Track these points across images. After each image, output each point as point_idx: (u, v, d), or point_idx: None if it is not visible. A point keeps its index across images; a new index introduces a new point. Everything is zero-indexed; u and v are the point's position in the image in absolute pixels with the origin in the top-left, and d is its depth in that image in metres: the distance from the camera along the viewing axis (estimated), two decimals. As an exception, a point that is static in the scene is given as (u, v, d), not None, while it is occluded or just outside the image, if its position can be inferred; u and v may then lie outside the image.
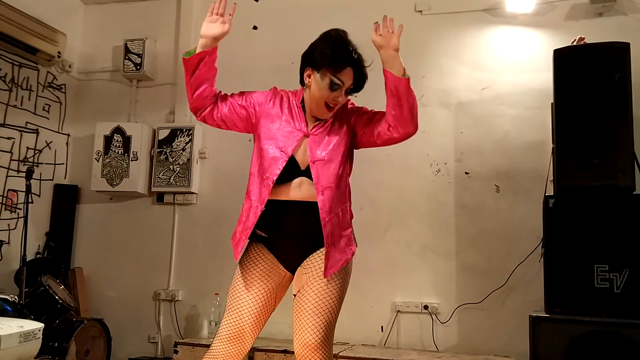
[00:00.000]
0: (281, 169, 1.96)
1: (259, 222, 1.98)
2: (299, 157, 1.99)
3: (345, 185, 2.05)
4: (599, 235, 2.65)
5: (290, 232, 2.00)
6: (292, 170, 1.98)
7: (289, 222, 1.99)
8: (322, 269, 1.94)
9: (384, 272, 3.66)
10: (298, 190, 1.98)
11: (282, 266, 2.03)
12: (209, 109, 2.07)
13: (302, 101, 2.07)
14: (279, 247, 2.01)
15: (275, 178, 1.96)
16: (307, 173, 1.98)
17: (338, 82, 1.95)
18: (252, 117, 2.08)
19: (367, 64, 2.03)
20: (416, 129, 2.00)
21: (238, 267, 2.05)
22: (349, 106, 2.12)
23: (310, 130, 2.02)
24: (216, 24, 2.03)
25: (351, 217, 2.10)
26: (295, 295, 2.00)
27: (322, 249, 1.97)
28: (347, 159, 2.07)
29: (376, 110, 2.09)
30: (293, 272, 2.03)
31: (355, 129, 2.07)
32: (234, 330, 1.96)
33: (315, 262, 1.98)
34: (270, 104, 2.07)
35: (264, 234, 2.02)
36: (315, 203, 1.95)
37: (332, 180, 1.97)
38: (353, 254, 2.03)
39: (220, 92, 2.10)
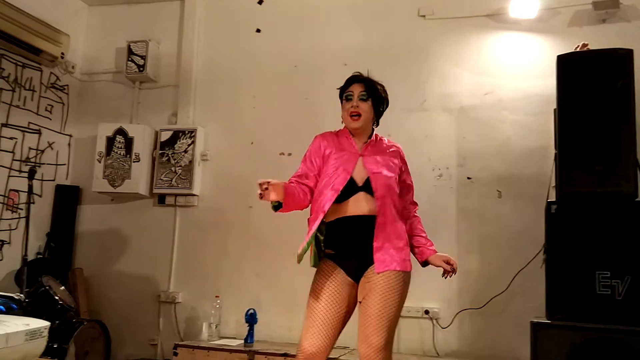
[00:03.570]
0: (344, 183, 2.22)
1: (327, 241, 2.27)
2: (356, 175, 2.26)
3: (399, 207, 2.32)
4: (601, 242, 2.64)
5: (351, 245, 2.24)
6: (351, 188, 2.24)
7: (350, 236, 2.24)
8: (382, 277, 2.16)
9: (384, 277, 3.64)
10: (356, 205, 2.23)
11: (349, 278, 2.24)
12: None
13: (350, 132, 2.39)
14: (344, 260, 2.25)
15: (340, 188, 2.21)
16: (363, 189, 2.24)
17: (349, 92, 2.35)
18: (321, 166, 2.36)
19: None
20: None
21: (312, 281, 2.30)
22: (398, 149, 2.42)
23: (363, 152, 2.32)
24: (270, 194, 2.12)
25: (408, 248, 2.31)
26: (360, 302, 2.21)
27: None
28: (398, 185, 2.34)
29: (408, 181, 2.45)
30: (358, 281, 2.25)
31: (400, 177, 2.38)
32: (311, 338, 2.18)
33: (375, 272, 2.19)
34: (323, 149, 2.36)
35: (332, 252, 2.28)
36: (371, 217, 2.21)
37: (387, 191, 2.24)
38: (408, 270, 2.23)
39: (303, 187, 2.32)
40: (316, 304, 2.21)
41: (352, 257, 2.23)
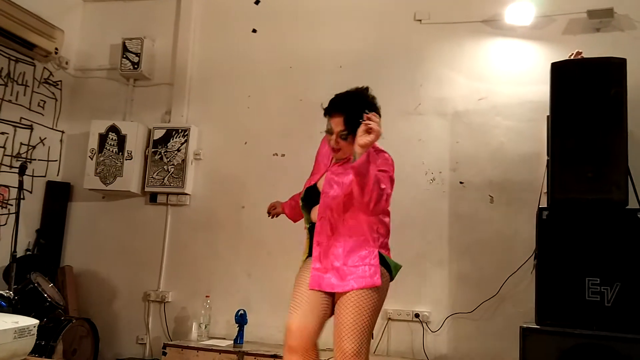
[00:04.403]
0: (302, 193, 2.35)
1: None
2: (320, 187, 2.30)
3: (356, 225, 2.23)
4: (591, 249, 2.66)
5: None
6: (317, 196, 2.28)
7: (310, 243, 2.31)
8: (353, 289, 2.16)
9: (375, 279, 3.64)
10: (314, 214, 2.29)
11: None
12: None
13: None
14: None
15: (299, 201, 2.37)
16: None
17: (329, 127, 2.23)
18: None
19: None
20: (370, 212, 2.17)
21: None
22: (380, 154, 2.28)
23: (331, 167, 2.32)
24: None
25: (372, 264, 2.24)
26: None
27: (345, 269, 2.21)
28: None
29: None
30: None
31: None
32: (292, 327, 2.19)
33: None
34: (318, 154, 2.45)
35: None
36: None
37: (329, 212, 2.22)
38: (373, 285, 2.20)
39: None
40: (298, 289, 2.26)
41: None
